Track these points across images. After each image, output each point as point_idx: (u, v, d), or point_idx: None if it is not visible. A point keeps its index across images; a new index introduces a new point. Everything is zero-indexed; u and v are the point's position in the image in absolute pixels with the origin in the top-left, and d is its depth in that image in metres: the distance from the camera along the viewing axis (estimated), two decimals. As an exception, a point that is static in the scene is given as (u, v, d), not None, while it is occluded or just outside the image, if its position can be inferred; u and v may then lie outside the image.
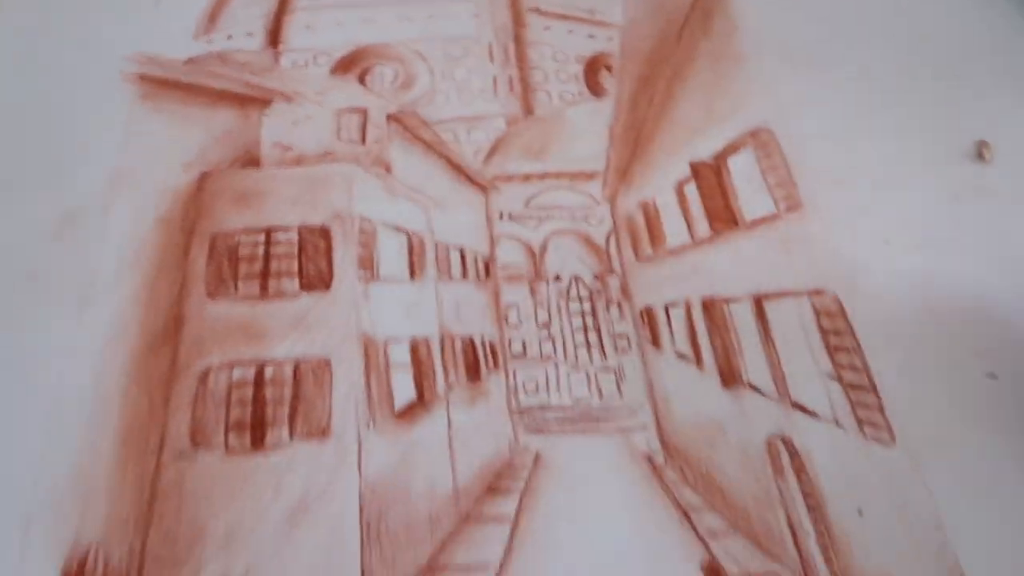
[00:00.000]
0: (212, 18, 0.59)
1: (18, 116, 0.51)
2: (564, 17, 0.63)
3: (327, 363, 0.41)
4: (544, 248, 0.48)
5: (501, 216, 0.49)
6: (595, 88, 0.58)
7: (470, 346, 0.43)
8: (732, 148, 0.53)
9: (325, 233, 0.47)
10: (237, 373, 0.40)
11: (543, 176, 0.52)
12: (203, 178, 0.49)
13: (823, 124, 0.52)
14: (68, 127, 0.51)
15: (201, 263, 0.45)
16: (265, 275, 0.45)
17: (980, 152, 0.48)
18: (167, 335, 0.42)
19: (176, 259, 0.45)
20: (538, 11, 0.63)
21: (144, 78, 0.54)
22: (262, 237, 0.46)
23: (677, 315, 0.45)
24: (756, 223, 0.48)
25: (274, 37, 0.58)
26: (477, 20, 0.62)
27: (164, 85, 0.53)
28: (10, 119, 0.51)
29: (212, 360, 0.41)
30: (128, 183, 0.48)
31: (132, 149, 0.50)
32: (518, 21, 0.62)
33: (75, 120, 0.51)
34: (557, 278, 0.46)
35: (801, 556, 0.37)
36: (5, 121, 0.51)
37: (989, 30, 0.55)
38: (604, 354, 0.43)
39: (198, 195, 0.48)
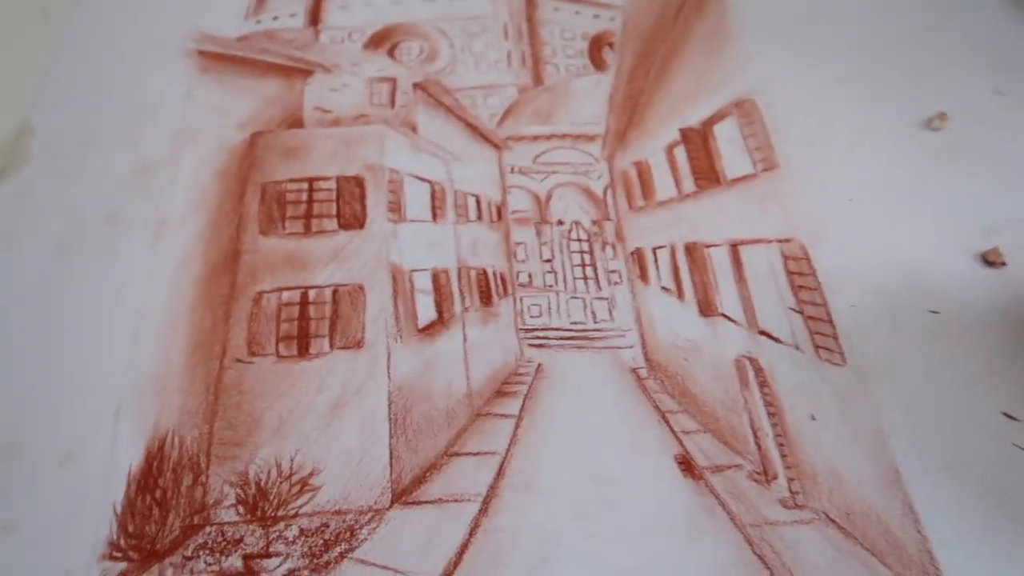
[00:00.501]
0: (260, 1, 0.67)
1: (99, 82, 0.59)
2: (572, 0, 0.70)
3: (361, 288, 0.48)
4: (549, 197, 0.55)
5: (512, 170, 0.56)
6: (598, 62, 0.65)
7: (483, 276, 0.50)
8: (719, 116, 0.60)
9: (359, 182, 0.54)
10: (285, 296, 0.48)
11: (550, 137, 0.59)
12: (254, 137, 0.56)
13: (800, 95, 0.58)
14: (140, 92, 0.59)
15: (254, 207, 0.52)
16: (308, 216, 0.52)
17: (936, 122, 0.54)
18: (226, 265, 0.49)
19: (233, 204, 0.52)
20: (536, -6, 0.69)
21: (203, 53, 0.61)
22: (305, 185, 0.54)
23: (663, 256, 0.52)
24: (736, 180, 0.55)
25: (314, 17, 0.65)
26: (493, 2, 0.69)
27: (220, 59, 0.61)
28: (92, 85, 0.59)
29: (264, 285, 0.48)
30: (191, 141, 0.56)
31: (194, 112, 0.58)
32: (530, 2, 0.69)
33: (146, 86, 0.59)
34: (560, 222, 0.53)
35: (761, 451, 0.43)
36: (88, 87, 0.59)
37: (955, 9, 0.61)
38: (599, 285, 0.50)
39: (250, 151, 0.55)
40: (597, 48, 0.66)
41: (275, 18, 0.65)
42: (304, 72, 0.61)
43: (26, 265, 0.50)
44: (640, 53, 0.65)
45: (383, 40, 0.64)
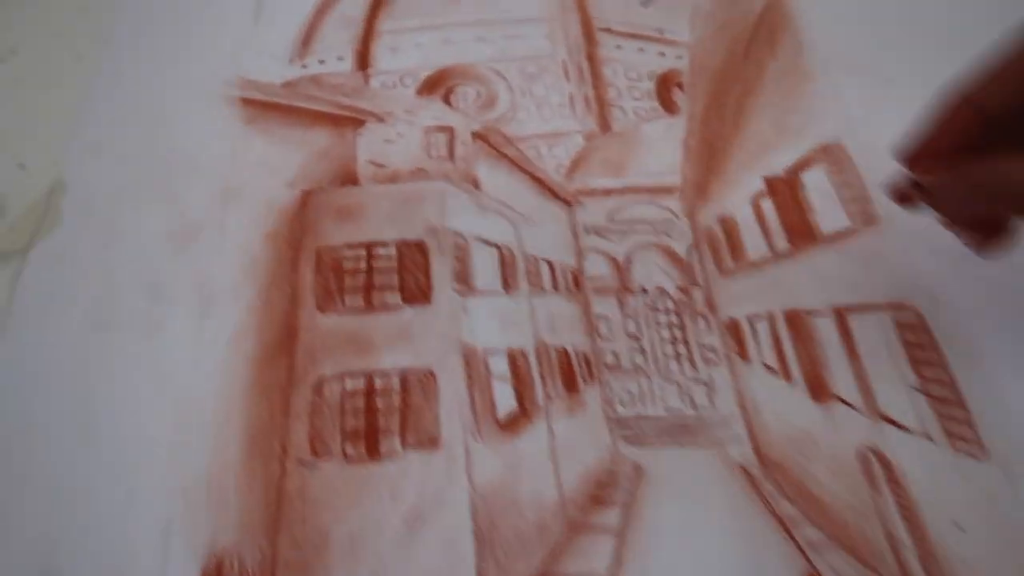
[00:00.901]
0: (305, 42, 0.62)
1: (134, 133, 0.55)
2: (634, 36, 0.65)
3: (431, 374, 0.43)
4: (629, 261, 0.50)
5: (586, 230, 0.51)
6: (668, 104, 0.60)
7: (565, 357, 0.45)
8: (805, 163, 0.55)
9: (422, 248, 0.49)
10: (349, 383, 0.43)
11: (623, 191, 0.54)
12: (306, 195, 0.51)
13: (894, 138, 0.53)
14: (180, 144, 0.54)
15: (309, 276, 0.47)
16: (369, 288, 0.47)
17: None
18: (282, 345, 0.44)
19: (286, 272, 0.48)
20: (609, 31, 0.65)
21: (247, 101, 0.57)
22: (363, 251, 0.49)
23: (762, 328, 0.46)
24: (833, 237, 0.49)
25: (363, 60, 0.61)
26: (550, 39, 0.64)
27: (265, 107, 0.57)
28: (127, 136, 0.55)
29: (325, 370, 0.43)
30: (237, 199, 0.51)
31: (239, 167, 0.53)
32: (590, 40, 0.64)
33: (186, 138, 0.55)
34: (643, 290, 0.48)
35: (902, 569, 0.38)
36: (123, 138, 0.55)
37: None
38: (694, 365, 0.44)
39: (302, 211, 0.51)
40: (665, 89, 0.61)
41: (321, 62, 0.61)
42: (355, 121, 0.56)
43: (58, 343, 0.45)
44: (712, 94, 0.60)
45: (437, 84, 0.60)
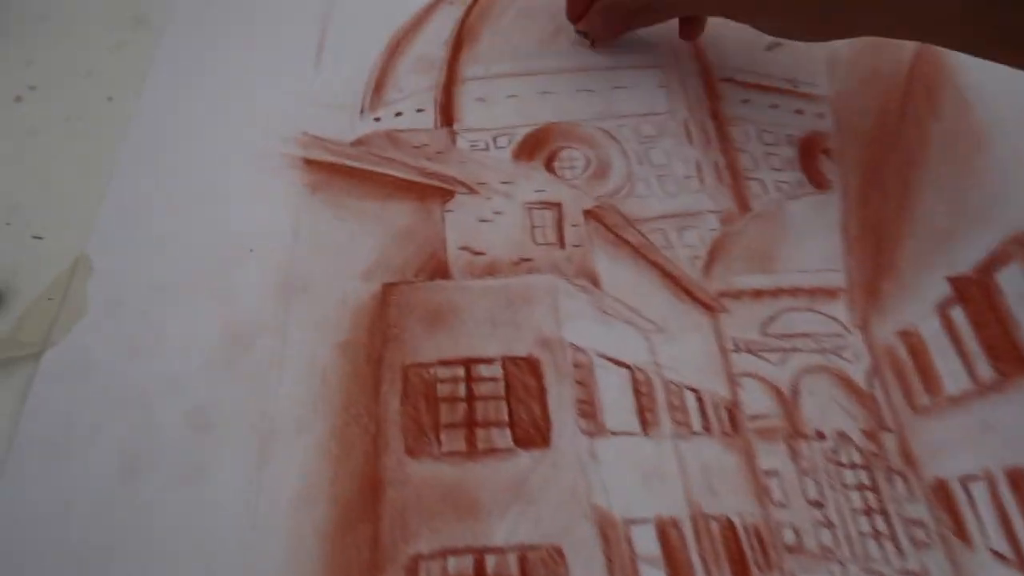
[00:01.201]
0: (378, 89, 0.52)
1: (174, 206, 0.45)
2: (763, 88, 0.55)
3: (559, 553, 0.33)
4: (796, 391, 0.39)
5: (736, 346, 0.41)
6: (815, 176, 0.49)
7: (730, 531, 0.34)
8: (998, 258, 0.44)
9: (533, 367, 0.39)
10: (453, 565, 0.33)
11: (776, 292, 0.43)
12: (386, 291, 0.42)
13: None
14: (231, 222, 0.44)
15: (395, 405, 0.37)
16: (471, 424, 0.37)
17: None
18: (364, 507, 0.34)
19: (365, 399, 0.38)
20: (732, 81, 0.54)
21: (311, 163, 0.47)
22: (462, 371, 0.39)
23: (979, 492, 0.36)
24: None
25: (447, 113, 0.51)
26: (666, 91, 0.54)
27: (333, 171, 0.47)
28: (165, 209, 0.45)
29: (420, 546, 0.33)
30: (302, 296, 0.41)
31: (303, 252, 0.43)
32: (712, 93, 0.54)
33: (238, 213, 0.45)
34: (820, 435, 0.38)
35: None
36: (161, 212, 0.45)
37: None
38: (899, 549, 0.34)
39: (383, 313, 0.41)
40: (810, 156, 0.51)
41: (398, 114, 0.51)
42: (442, 192, 0.46)
43: (83, 488, 0.35)
44: (867, 164, 0.50)
45: (537, 146, 0.50)
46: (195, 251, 0.43)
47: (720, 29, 0.56)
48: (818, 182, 0.49)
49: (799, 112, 0.53)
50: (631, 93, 0.53)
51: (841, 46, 0.56)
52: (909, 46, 0.56)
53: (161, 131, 0.49)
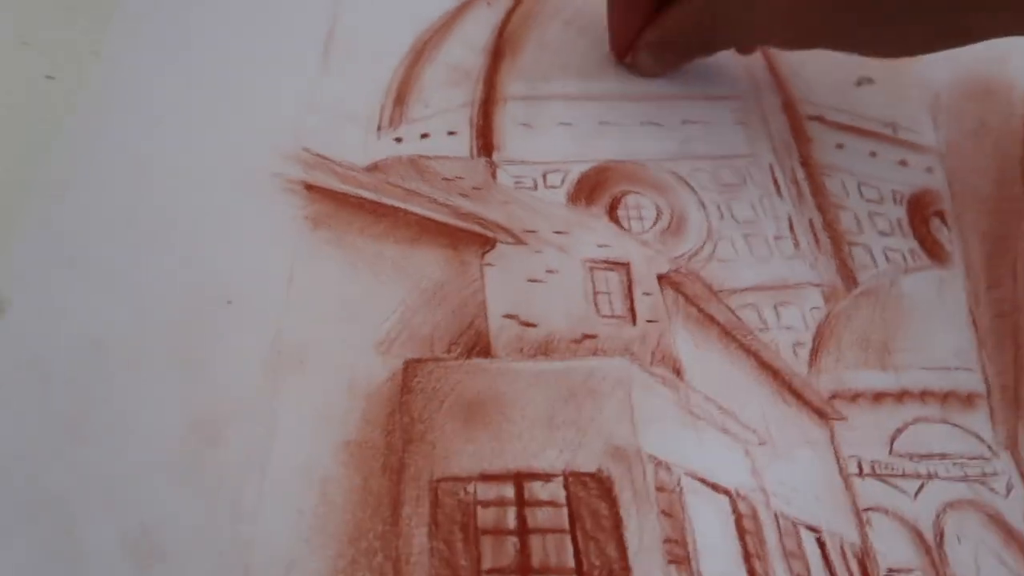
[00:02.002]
0: (399, 101, 0.42)
1: (121, 239, 0.34)
2: (859, 131, 0.46)
3: None
4: (940, 535, 0.30)
5: (859, 469, 0.32)
6: (929, 245, 0.41)
7: None
8: None
9: (604, 487, 0.29)
10: None
11: (900, 396, 0.34)
12: (409, 371, 0.31)
13: None
14: (207, 263, 0.34)
15: (421, 539, 0.27)
16: (524, 569, 0.27)
17: None
18: None
19: (380, 527, 0.27)
20: (821, 120, 0.46)
21: (314, 189, 0.36)
22: (511, 490, 0.29)
23: None
24: None
25: (485, 139, 0.41)
26: (744, 128, 0.45)
27: (341, 203, 0.36)
28: (109, 242, 0.34)
29: None
30: (298, 371, 0.31)
31: (298, 311, 0.33)
32: (799, 134, 0.45)
33: (216, 251, 0.34)
34: (981, 604, 0.28)
35: None
36: (100, 247, 0.34)
37: None
38: None
39: (404, 401, 0.30)
40: (921, 219, 0.42)
41: (424, 136, 0.41)
42: (481, 239, 0.36)
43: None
44: (991, 236, 0.41)
45: (598, 189, 0.40)
46: (149, 302, 0.32)
47: (802, 59, 0.48)
48: (935, 253, 0.40)
49: (903, 163, 0.44)
50: (705, 129, 0.44)
51: (942, 88, 0.48)
52: (1019, 93, 0.48)
53: (113, 129, 0.38)
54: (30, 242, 0.33)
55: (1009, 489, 0.32)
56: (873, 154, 0.45)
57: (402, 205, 0.37)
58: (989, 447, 0.33)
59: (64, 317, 0.31)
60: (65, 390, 0.29)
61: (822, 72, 0.48)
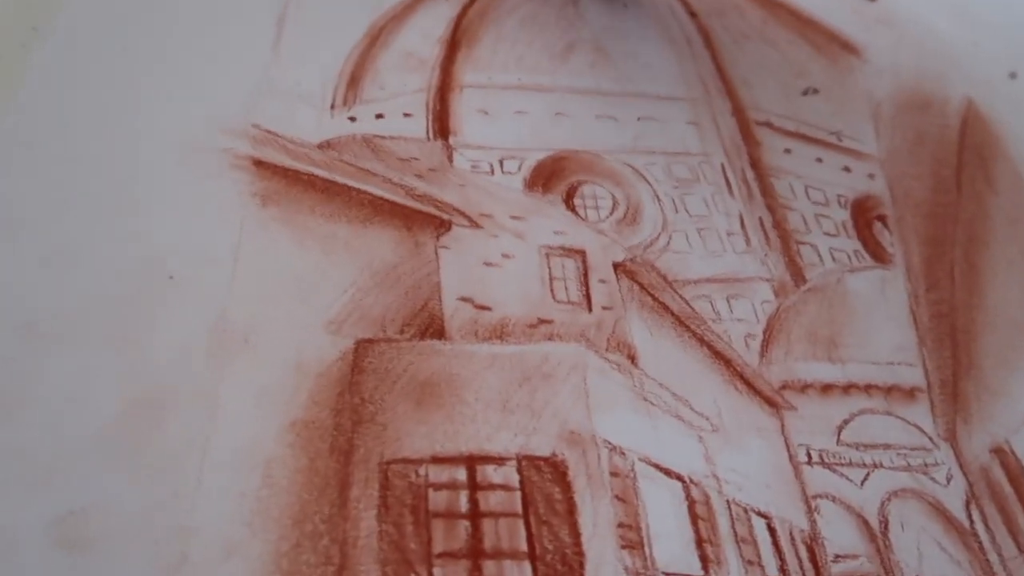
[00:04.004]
0: (353, 82, 0.41)
1: (58, 211, 0.32)
2: (805, 138, 0.47)
3: None
4: (885, 523, 0.31)
5: (808, 457, 0.32)
6: (872, 247, 0.42)
7: None
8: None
9: (559, 471, 0.29)
10: None
11: (847, 388, 0.35)
12: (360, 351, 0.30)
13: None
14: (146, 238, 0.32)
15: (369, 522, 0.26)
16: (476, 553, 0.26)
17: None
18: None
19: (327, 510, 0.26)
20: (769, 126, 0.47)
21: (263, 166, 0.35)
22: (463, 473, 0.28)
23: None
24: None
25: (442, 123, 0.40)
26: (696, 128, 0.45)
27: (292, 180, 0.35)
28: (45, 215, 0.32)
29: None
30: (242, 350, 0.29)
31: (244, 288, 0.31)
32: (748, 137, 0.46)
33: (158, 226, 0.33)
34: (922, 587, 0.29)
35: None
36: (36, 219, 0.32)
37: None
38: None
39: (355, 382, 0.29)
40: (864, 222, 0.43)
41: (379, 116, 0.40)
42: (435, 221, 0.36)
43: None
44: (929, 239, 0.43)
45: (554, 177, 0.40)
46: (87, 276, 0.30)
47: (751, 67, 0.49)
48: (878, 254, 0.41)
49: (847, 170, 0.46)
50: (659, 127, 0.44)
51: (883, 100, 0.50)
52: (954, 107, 0.50)
53: (51, 101, 0.36)
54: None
55: (949, 479, 0.32)
56: (819, 160, 0.46)
57: (355, 184, 0.36)
58: (930, 438, 0.34)
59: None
60: (-13, 364, 0.27)
61: (769, 80, 0.49)
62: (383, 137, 0.39)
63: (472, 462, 0.28)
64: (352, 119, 0.39)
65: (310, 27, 0.43)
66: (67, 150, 0.34)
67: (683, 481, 0.30)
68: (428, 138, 0.39)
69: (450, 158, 0.39)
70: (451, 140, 0.40)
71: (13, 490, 0.25)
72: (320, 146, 0.37)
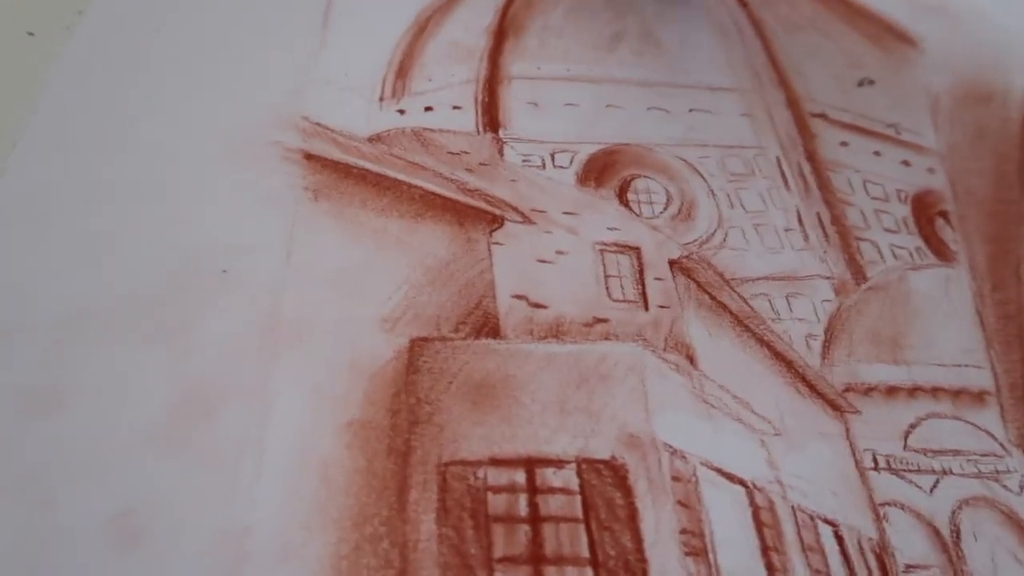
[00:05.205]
0: (401, 74, 0.40)
1: (107, 204, 0.32)
2: (862, 131, 0.45)
3: None
4: (957, 533, 0.29)
5: (875, 463, 0.31)
6: (934, 243, 0.40)
7: None
8: None
9: (619, 475, 0.28)
10: None
11: (912, 391, 0.34)
12: (415, 350, 0.30)
13: None
14: (191, 233, 0.32)
15: (429, 524, 0.25)
16: (537, 559, 0.25)
17: None
18: None
19: (386, 511, 0.25)
20: (825, 118, 0.45)
21: (313, 159, 0.35)
22: (522, 476, 0.27)
23: None
24: None
25: (491, 117, 0.40)
26: (750, 120, 0.44)
27: (343, 174, 0.35)
28: (94, 207, 0.32)
29: None
30: (294, 348, 0.29)
31: (297, 283, 0.31)
32: (803, 129, 0.44)
33: (207, 221, 0.32)
34: (1001, 603, 0.28)
35: None
36: (85, 211, 0.32)
37: None
38: None
39: (410, 381, 0.29)
40: (926, 218, 0.42)
41: (428, 109, 0.39)
42: (488, 217, 0.35)
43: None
44: (993, 238, 0.41)
45: (607, 172, 0.39)
46: (137, 269, 0.30)
47: (804, 57, 0.47)
48: (940, 252, 0.40)
49: (906, 164, 0.44)
50: (712, 119, 0.43)
51: (942, 92, 0.48)
52: (1016, 99, 0.48)
53: (98, 90, 0.36)
54: (6, 206, 0.31)
55: (1022, 487, 0.31)
56: (877, 153, 0.44)
57: (406, 178, 0.35)
58: (1001, 445, 0.32)
59: (40, 285, 0.29)
60: (43, 362, 0.27)
61: (823, 71, 0.48)
62: (433, 130, 0.38)
63: (531, 465, 0.27)
64: (401, 112, 0.39)
65: (357, 16, 0.42)
66: (117, 140, 0.34)
67: (746, 486, 0.29)
68: (478, 131, 0.39)
69: (501, 152, 0.38)
70: (501, 133, 0.39)
71: (65, 485, 0.25)
72: (370, 139, 0.37)
